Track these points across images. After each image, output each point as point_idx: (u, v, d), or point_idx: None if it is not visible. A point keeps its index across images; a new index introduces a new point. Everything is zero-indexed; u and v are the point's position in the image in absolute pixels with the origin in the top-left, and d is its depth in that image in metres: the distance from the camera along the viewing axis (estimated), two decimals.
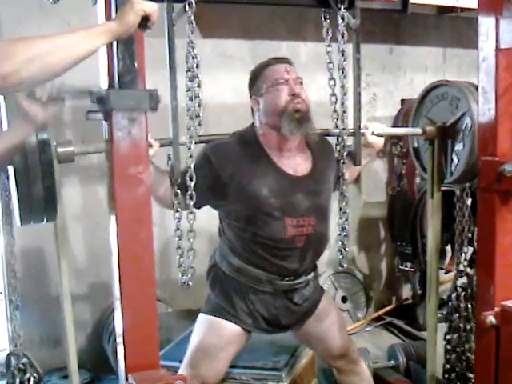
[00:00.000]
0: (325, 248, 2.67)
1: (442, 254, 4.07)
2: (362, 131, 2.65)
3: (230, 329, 2.60)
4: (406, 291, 5.02)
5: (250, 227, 2.51)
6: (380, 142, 2.75)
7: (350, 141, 2.59)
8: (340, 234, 2.59)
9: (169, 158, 2.28)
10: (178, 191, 2.26)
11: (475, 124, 2.62)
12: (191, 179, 2.12)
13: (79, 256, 3.96)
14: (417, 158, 3.08)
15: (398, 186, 4.64)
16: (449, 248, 4.06)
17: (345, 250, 2.53)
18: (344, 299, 4.68)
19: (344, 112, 2.46)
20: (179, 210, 2.28)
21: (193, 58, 2.00)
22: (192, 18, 2.10)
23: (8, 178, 2.03)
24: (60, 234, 2.16)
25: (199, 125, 2.00)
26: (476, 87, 2.62)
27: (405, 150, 4.41)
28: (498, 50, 2.15)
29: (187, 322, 3.15)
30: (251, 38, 4.35)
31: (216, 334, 2.59)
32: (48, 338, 3.91)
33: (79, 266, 3.95)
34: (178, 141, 2.18)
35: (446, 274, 4.22)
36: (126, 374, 1.72)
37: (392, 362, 3.58)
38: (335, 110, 2.56)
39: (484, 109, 2.23)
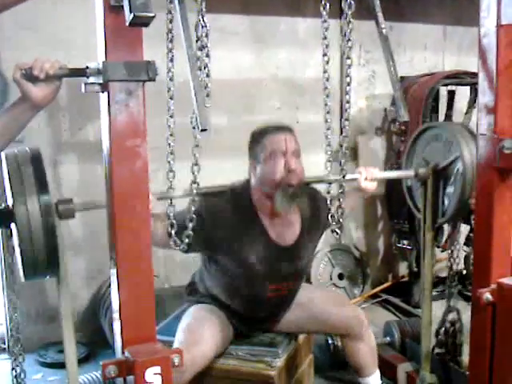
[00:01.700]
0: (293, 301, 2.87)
1: (438, 233, 4.08)
2: (354, 176, 2.70)
3: (216, 309, 2.76)
4: (403, 269, 5.04)
5: (233, 283, 2.68)
6: (373, 186, 2.80)
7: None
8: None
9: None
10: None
11: (467, 169, 2.69)
12: (190, 213, 2.11)
13: (76, 231, 3.95)
14: (410, 197, 3.16)
15: (396, 163, 4.62)
16: (446, 226, 4.06)
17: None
18: (341, 276, 4.70)
19: (347, 93, 2.42)
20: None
21: (202, 26, 1.97)
22: None
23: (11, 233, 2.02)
24: (63, 286, 2.15)
25: (207, 95, 1.97)
26: (469, 131, 2.78)
27: (403, 127, 4.40)
28: (499, 26, 2.12)
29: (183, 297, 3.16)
30: (250, 13, 4.32)
31: (200, 311, 2.74)
32: (44, 313, 3.91)
33: (76, 241, 3.95)
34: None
35: (442, 252, 4.23)
36: (123, 348, 1.72)
37: (388, 338, 3.60)
38: (326, 87, 2.53)
39: (484, 85, 2.21)
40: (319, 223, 2.76)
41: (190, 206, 2.11)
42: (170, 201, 2.17)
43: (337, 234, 2.48)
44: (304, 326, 2.91)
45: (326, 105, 2.54)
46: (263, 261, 2.61)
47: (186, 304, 2.92)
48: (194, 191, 2.04)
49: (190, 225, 2.09)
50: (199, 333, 2.58)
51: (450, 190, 2.81)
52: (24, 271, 1.94)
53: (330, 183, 2.60)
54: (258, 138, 2.62)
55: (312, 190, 2.80)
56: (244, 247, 2.59)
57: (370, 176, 2.76)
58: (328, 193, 2.57)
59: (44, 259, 1.92)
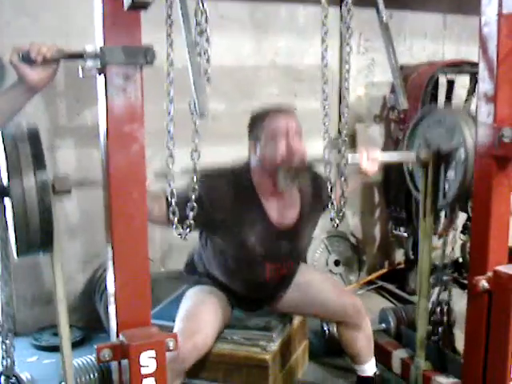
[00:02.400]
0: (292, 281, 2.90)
1: (435, 220, 4.08)
2: (356, 157, 2.64)
3: (217, 292, 2.77)
4: (399, 256, 5.05)
5: (233, 264, 2.69)
6: (374, 168, 2.68)
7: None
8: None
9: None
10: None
11: (469, 156, 2.66)
12: (193, 190, 2.04)
13: (71, 215, 3.95)
14: (411, 179, 3.14)
15: (395, 151, 4.62)
16: (442, 214, 4.06)
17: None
18: (337, 263, 4.71)
19: (346, 80, 2.40)
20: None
21: (202, 12, 1.96)
22: None
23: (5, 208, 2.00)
24: (57, 262, 2.13)
25: (207, 81, 1.96)
26: (473, 118, 2.70)
27: (402, 115, 4.39)
28: (500, 14, 2.11)
29: (179, 282, 3.16)
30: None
31: (200, 294, 2.75)
32: (40, 296, 3.91)
33: (72, 225, 3.95)
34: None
35: (439, 239, 4.23)
36: (118, 332, 1.72)
37: (383, 325, 3.61)
38: (324, 74, 2.52)
39: (484, 74, 2.21)
40: (320, 204, 2.73)
41: (190, 188, 2.05)
42: (168, 183, 2.13)
43: (337, 225, 2.45)
44: (302, 307, 2.91)
45: (323, 92, 2.53)
46: (263, 242, 2.62)
47: (184, 285, 2.92)
48: (194, 179, 2.00)
49: (191, 214, 2.02)
50: (199, 320, 2.58)
51: (450, 175, 2.79)
52: (17, 247, 1.94)
53: (330, 166, 2.57)
54: (259, 118, 2.61)
55: (313, 172, 2.79)
56: (244, 228, 2.59)
57: (372, 156, 2.71)
58: (328, 175, 2.54)
59: (38, 235, 1.91)
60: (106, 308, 1.87)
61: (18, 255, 1.98)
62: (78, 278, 4.04)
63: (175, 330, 2.55)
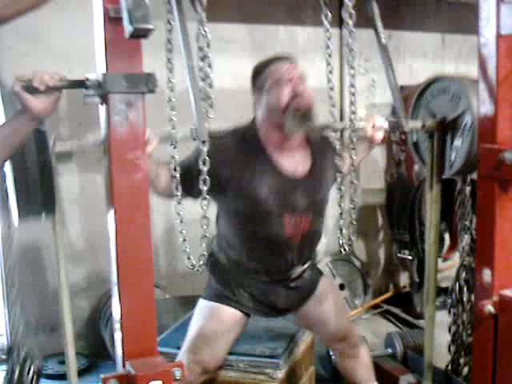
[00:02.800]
0: (319, 242, 2.72)
1: (439, 242, 4.07)
2: (361, 124, 2.62)
3: (230, 314, 2.62)
4: (404, 279, 5.02)
5: (249, 224, 2.54)
6: (380, 135, 2.71)
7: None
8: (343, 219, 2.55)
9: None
10: (178, 181, 2.14)
11: (475, 122, 2.60)
12: (204, 163, 2.04)
13: (76, 242, 3.95)
14: (416, 150, 3.07)
15: (397, 172, 4.62)
16: (447, 236, 4.06)
17: (349, 238, 2.50)
18: (342, 286, 4.68)
19: (352, 104, 2.41)
20: (179, 196, 2.21)
21: (204, 36, 1.96)
22: None
23: (4, 175, 2.01)
24: (58, 224, 2.15)
25: (210, 106, 1.97)
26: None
27: (404, 137, 4.39)
28: (498, 35, 2.13)
29: (184, 308, 3.15)
30: (249, 22, 4.32)
31: (216, 320, 2.61)
32: (45, 324, 3.89)
33: (76, 252, 3.94)
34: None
35: (443, 261, 4.22)
36: (124, 361, 1.71)
37: (389, 349, 3.58)
38: (331, 97, 2.53)
39: (484, 96, 2.21)
40: (330, 165, 2.63)
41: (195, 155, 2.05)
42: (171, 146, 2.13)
43: (345, 250, 2.42)
44: (310, 317, 2.79)
45: (331, 114, 2.54)
46: (275, 193, 2.49)
47: (189, 312, 2.82)
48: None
49: (206, 188, 2.03)
50: (210, 344, 2.55)
51: (457, 143, 2.76)
52: (18, 208, 1.93)
53: (340, 132, 2.54)
54: (261, 69, 2.55)
55: (323, 134, 2.71)
56: (254, 182, 2.47)
57: (378, 123, 2.67)
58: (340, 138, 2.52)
59: (38, 194, 1.92)
60: (112, 335, 1.86)
61: (19, 216, 1.97)
62: (82, 305, 4.03)
63: (184, 348, 2.54)
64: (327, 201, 2.67)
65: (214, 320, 2.61)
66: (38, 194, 1.91)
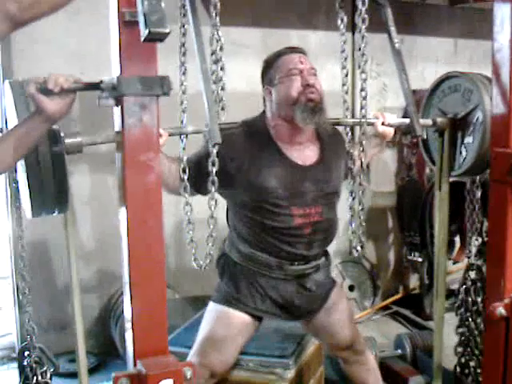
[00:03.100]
0: (333, 234, 2.68)
1: (450, 245, 4.07)
2: (372, 121, 2.62)
3: (240, 318, 2.61)
4: (414, 281, 5.02)
5: (258, 216, 2.52)
6: (390, 132, 2.70)
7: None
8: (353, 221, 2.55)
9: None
10: (186, 178, 2.15)
11: (487, 117, 2.59)
12: (213, 164, 2.04)
13: (87, 242, 3.97)
14: (425, 150, 3.06)
15: (408, 175, 4.63)
16: (457, 238, 4.06)
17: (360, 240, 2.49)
18: (351, 288, 4.69)
19: (362, 108, 2.41)
20: (187, 197, 2.19)
21: (217, 40, 1.98)
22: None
23: (16, 170, 2.03)
24: (70, 224, 2.17)
25: (222, 109, 1.98)
26: (489, 80, 2.59)
27: (415, 139, 4.39)
28: None
29: (194, 308, 3.16)
30: (261, 26, 4.34)
31: (226, 324, 2.60)
32: (55, 322, 3.92)
33: (87, 251, 3.97)
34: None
35: (453, 264, 4.22)
36: (135, 360, 1.72)
37: (399, 351, 3.59)
38: (345, 101, 2.53)
39: (497, 100, 2.21)
40: (340, 159, 2.65)
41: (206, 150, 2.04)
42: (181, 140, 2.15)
43: (356, 251, 2.42)
44: (318, 326, 2.79)
45: (346, 117, 2.54)
46: (284, 183, 2.48)
47: (200, 311, 2.83)
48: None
49: (214, 190, 2.04)
50: (220, 348, 2.55)
51: (468, 140, 2.73)
52: (32, 205, 1.95)
53: (351, 128, 2.54)
54: (271, 61, 2.55)
55: (334, 128, 2.68)
56: (262, 172, 2.47)
57: (388, 120, 2.66)
58: (348, 136, 2.52)
59: (52, 191, 1.96)
60: (122, 334, 1.88)
61: (32, 214, 2.00)
62: (93, 304, 4.05)
63: (193, 351, 2.55)
64: (338, 195, 2.65)
65: (222, 324, 2.60)
66: (51, 191, 1.94)
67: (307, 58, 2.55)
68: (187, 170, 2.12)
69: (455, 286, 3.28)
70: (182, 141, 2.17)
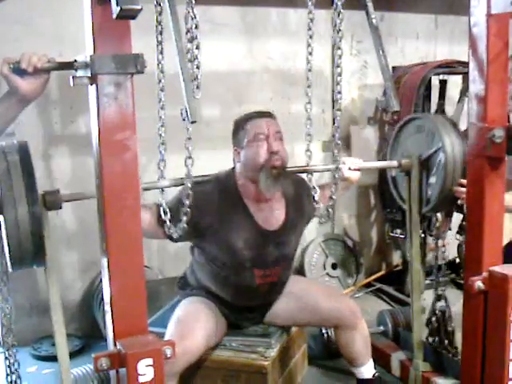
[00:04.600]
0: (285, 287, 2.91)
1: (431, 221, 4.09)
2: (340, 166, 2.61)
3: (208, 301, 2.78)
4: (396, 258, 5.06)
5: (221, 270, 2.71)
6: (356, 175, 2.82)
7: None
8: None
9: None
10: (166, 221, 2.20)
11: (448, 159, 2.73)
12: (188, 197, 2.01)
13: (69, 225, 3.94)
14: (394, 187, 3.18)
15: None
16: (439, 215, 4.07)
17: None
18: (334, 266, 4.71)
19: (338, 84, 2.39)
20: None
21: (192, 18, 1.96)
22: None
23: None
24: (51, 274, 2.17)
25: (197, 87, 1.97)
26: (452, 122, 2.85)
27: (396, 117, 4.40)
28: (489, 15, 2.12)
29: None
30: (240, 4, 4.30)
31: (194, 304, 2.76)
32: (38, 306, 3.90)
33: (69, 234, 3.95)
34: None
35: (434, 240, 4.23)
36: (115, 340, 1.72)
37: (381, 327, 3.61)
38: (308, 78, 2.51)
39: (474, 75, 2.21)
40: (304, 210, 2.80)
41: (182, 194, 2.10)
42: (161, 190, 2.18)
43: (323, 219, 2.47)
44: (295, 317, 2.91)
45: (306, 94, 2.52)
46: (249, 246, 2.65)
47: (178, 297, 2.94)
48: (188, 185, 2.00)
49: (184, 218, 2.06)
50: (190, 325, 2.58)
51: (432, 180, 2.85)
52: (11, 261, 1.97)
53: (311, 173, 2.58)
54: (240, 124, 2.68)
55: (297, 177, 2.83)
56: (230, 232, 2.62)
57: (354, 166, 2.78)
58: (310, 181, 2.53)
59: (30, 249, 1.97)
60: (105, 316, 1.88)
61: (12, 268, 2.01)
62: (76, 286, 4.03)
63: (166, 335, 2.57)
64: (296, 252, 2.91)
65: (191, 304, 2.76)
66: (29, 246, 1.96)
67: (275, 122, 2.67)
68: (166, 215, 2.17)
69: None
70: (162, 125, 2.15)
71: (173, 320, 2.66)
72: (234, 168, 2.73)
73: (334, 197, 2.38)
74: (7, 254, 1.97)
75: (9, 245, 1.94)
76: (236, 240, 2.63)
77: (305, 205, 2.78)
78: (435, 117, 2.92)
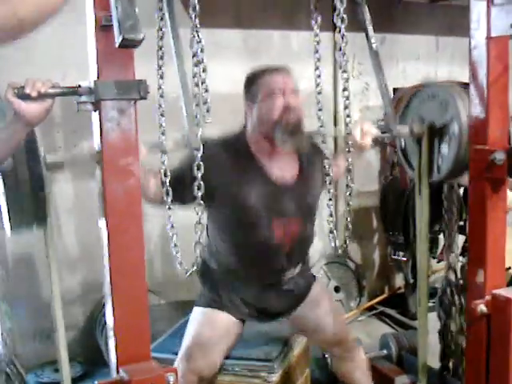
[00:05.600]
0: (309, 248, 2.75)
1: (434, 243, 4.08)
2: (350, 131, 2.61)
3: (224, 319, 2.65)
4: (399, 280, 5.03)
5: (238, 231, 2.58)
6: (368, 142, 2.67)
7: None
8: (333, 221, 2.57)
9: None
10: (169, 189, 2.12)
11: (462, 130, 2.60)
12: (198, 168, 1.99)
13: (71, 250, 3.94)
14: (404, 155, 3.09)
15: (391, 174, 4.64)
16: (441, 236, 4.06)
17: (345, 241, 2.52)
18: (337, 289, 4.69)
19: (346, 107, 2.40)
20: (171, 207, 2.19)
21: (197, 42, 1.97)
22: (196, 1, 2.03)
23: None
24: (50, 236, 2.15)
25: (207, 111, 1.97)
26: (467, 92, 2.61)
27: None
28: (489, 37, 2.14)
29: (180, 313, 3.15)
30: (244, 27, 4.34)
31: (211, 326, 2.62)
32: (41, 331, 3.89)
33: (72, 259, 3.94)
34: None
35: (438, 262, 4.23)
36: (118, 367, 1.71)
37: (384, 351, 3.59)
38: (319, 101, 2.53)
39: (475, 98, 2.23)
40: (316, 170, 2.67)
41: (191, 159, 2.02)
42: (161, 154, 2.12)
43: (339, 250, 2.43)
44: (305, 323, 2.82)
45: (319, 118, 2.54)
46: (264, 200, 2.52)
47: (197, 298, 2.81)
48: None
49: (201, 193, 2.01)
50: (207, 349, 2.55)
51: (444, 149, 2.73)
52: (10, 221, 1.96)
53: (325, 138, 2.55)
54: (254, 78, 2.57)
55: (312, 141, 2.71)
56: (243, 188, 2.50)
57: (366, 130, 2.64)
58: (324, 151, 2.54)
59: (30, 207, 1.96)
60: (107, 342, 1.87)
61: (11, 229, 1.99)
62: (78, 311, 4.02)
63: (180, 357, 2.54)
64: (316, 206, 2.71)
65: (208, 326, 2.63)
66: (30, 206, 1.94)
67: (290, 77, 2.56)
68: (170, 179, 2.09)
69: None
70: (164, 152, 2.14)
71: (188, 337, 2.61)
72: (244, 127, 2.62)
73: (350, 167, 2.41)
74: (6, 214, 1.95)
75: (7, 200, 1.92)
76: (249, 196, 2.50)
77: (317, 167, 2.65)
78: (450, 85, 2.78)
